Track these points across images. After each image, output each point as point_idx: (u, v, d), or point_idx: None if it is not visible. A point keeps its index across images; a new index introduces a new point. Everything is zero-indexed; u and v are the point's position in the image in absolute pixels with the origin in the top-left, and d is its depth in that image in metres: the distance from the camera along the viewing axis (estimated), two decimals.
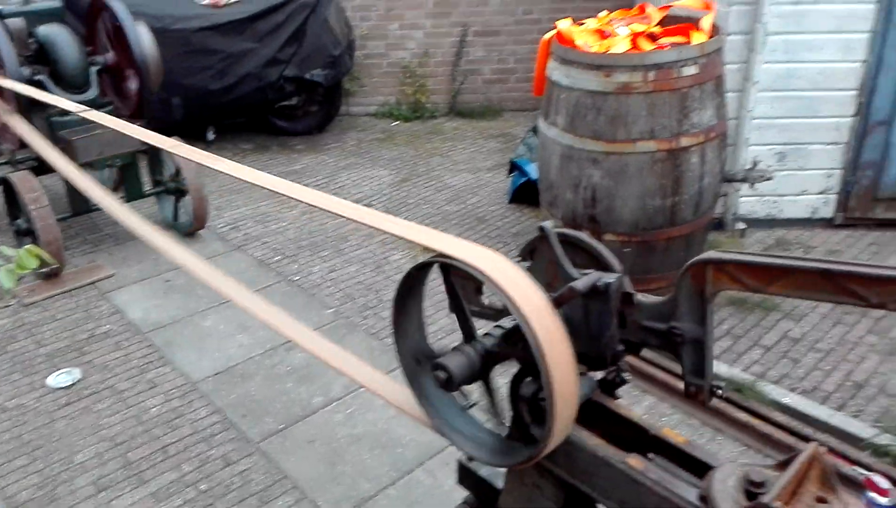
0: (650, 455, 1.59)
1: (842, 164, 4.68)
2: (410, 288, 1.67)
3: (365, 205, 5.44)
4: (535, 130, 5.48)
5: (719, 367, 3.38)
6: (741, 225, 4.76)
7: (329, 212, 2.00)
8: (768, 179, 4.21)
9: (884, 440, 2.91)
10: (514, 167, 5.48)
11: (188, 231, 4.95)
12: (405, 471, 2.91)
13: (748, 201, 4.74)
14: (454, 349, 1.59)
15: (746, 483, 1.35)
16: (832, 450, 2.83)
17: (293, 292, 4.28)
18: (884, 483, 2.69)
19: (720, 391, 1.57)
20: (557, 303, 1.48)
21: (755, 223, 4.79)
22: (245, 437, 3.10)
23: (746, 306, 3.91)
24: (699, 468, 1.49)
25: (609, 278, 1.60)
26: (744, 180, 4.24)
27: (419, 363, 1.73)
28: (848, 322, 3.78)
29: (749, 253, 1.45)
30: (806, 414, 3.07)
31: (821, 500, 1.33)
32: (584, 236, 1.74)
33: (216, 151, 6.57)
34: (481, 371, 1.59)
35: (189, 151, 2.63)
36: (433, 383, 1.66)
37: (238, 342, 3.79)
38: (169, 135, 2.87)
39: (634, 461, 1.50)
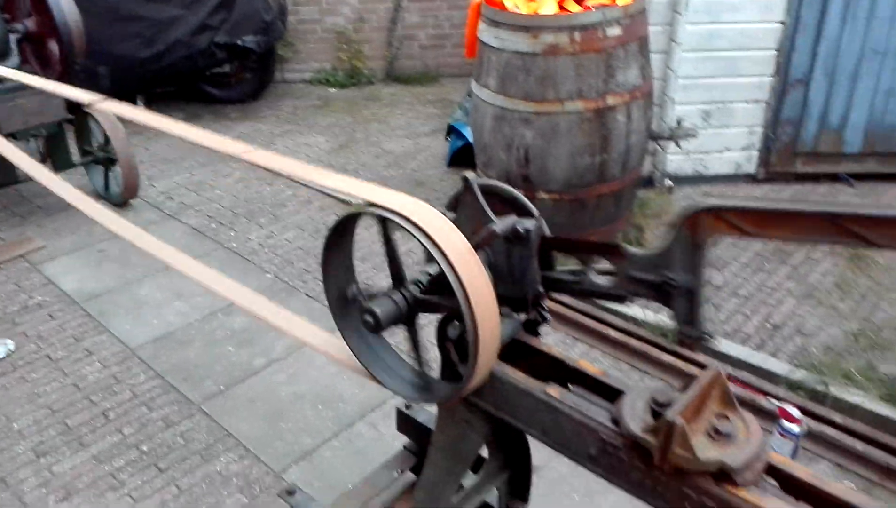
0: (570, 387, 1.69)
1: (763, 121, 4.88)
2: (339, 236, 1.71)
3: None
4: (470, 95, 5.54)
5: (646, 314, 3.55)
6: (669, 182, 4.94)
7: (268, 169, 2.02)
8: (693, 136, 4.38)
9: (798, 375, 3.12)
10: (452, 131, 5.54)
11: (120, 201, 4.86)
12: (347, 424, 2.99)
13: (675, 159, 4.92)
14: (383, 294, 1.65)
15: (653, 404, 1.46)
16: (749, 385, 3.03)
17: (231, 259, 4.27)
18: (795, 412, 2.92)
19: (710, 338, 1.61)
20: (478, 246, 1.56)
21: (682, 180, 4.97)
22: (186, 399, 3.12)
23: None
24: (614, 395, 1.60)
25: (528, 223, 1.69)
26: (670, 138, 4.39)
27: (348, 306, 1.79)
28: (768, 269, 4.00)
29: (747, 200, 1.44)
30: (727, 355, 3.25)
31: (721, 417, 1.44)
32: (504, 185, 1.82)
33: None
34: (408, 316, 1.67)
35: (127, 108, 2.61)
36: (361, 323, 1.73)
37: (175, 308, 3.78)
38: None
39: (553, 390, 1.61)
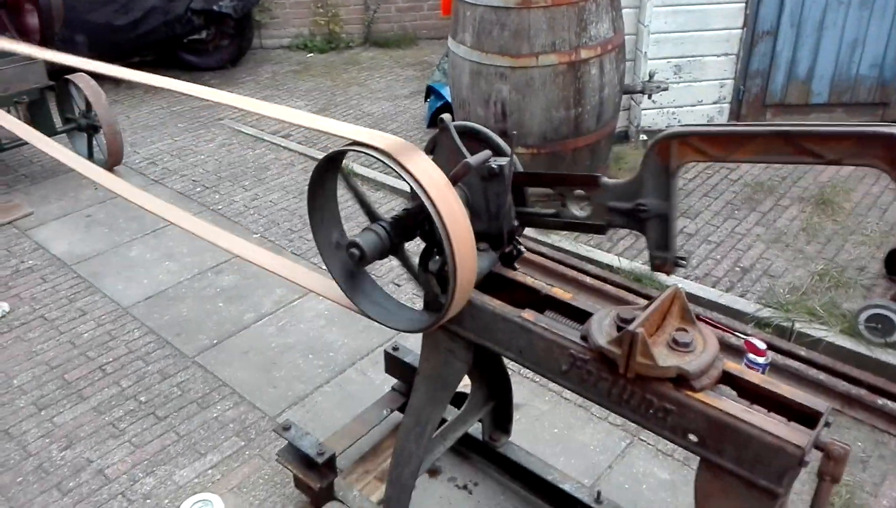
0: (547, 312, 1.82)
1: (733, 74, 5.00)
2: (323, 177, 1.81)
3: (282, 136, 5.53)
4: (448, 55, 5.60)
5: (622, 262, 3.69)
6: (643, 137, 5.06)
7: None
8: (665, 89, 4.49)
9: (765, 313, 3.28)
10: (431, 92, 5.61)
11: (104, 168, 4.89)
12: (338, 371, 3.11)
13: (649, 114, 5.03)
14: (365, 228, 1.77)
15: (618, 320, 1.60)
16: (718, 324, 3.18)
17: (217, 220, 4.35)
18: (760, 345, 3.08)
19: (684, 262, 1.73)
20: (454, 179, 1.67)
21: (656, 134, 5.08)
22: (180, 353, 3.23)
23: None
24: (584, 317, 1.74)
25: (502, 160, 1.80)
26: (642, 92, 4.50)
27: (336, 248, 1.90)
28: (738, 217, 4.15)
29: (711, 125, 1.57)
30: (698, 296, 3.40)
31: (680, 330, 1.58)
32: (478, 125, 1.93)
33: (125, 89, 6.45)
34: (391, 247, 1.78)
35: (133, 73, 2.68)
36: (349, 262, 1.85)
37: (166, 268, 3.87)
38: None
39: (527, 314, 1.74)
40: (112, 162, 4.86)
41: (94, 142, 4.93)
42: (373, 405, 2.68)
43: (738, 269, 3.70)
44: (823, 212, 4.16)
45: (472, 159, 1.69)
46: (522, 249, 1.95)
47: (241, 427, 2.83)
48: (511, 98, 3.83)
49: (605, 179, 1.72)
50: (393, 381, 2.75)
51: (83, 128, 4.87)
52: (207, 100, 2.37)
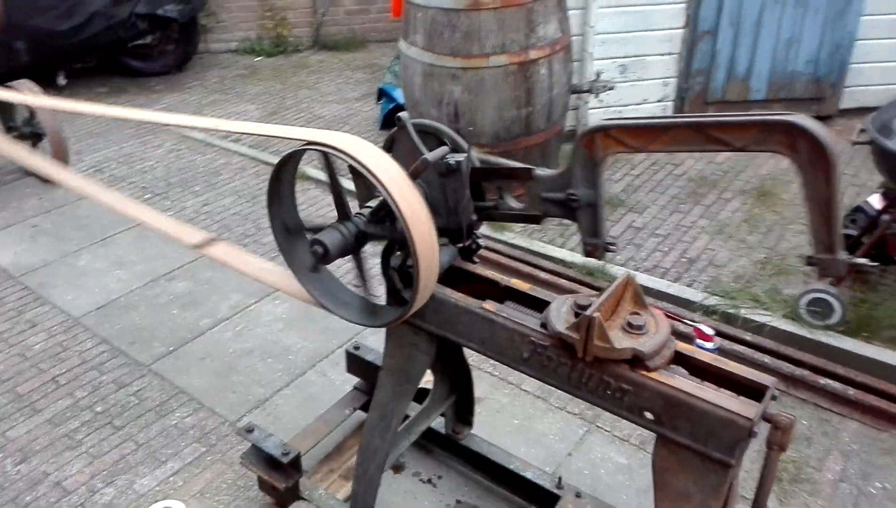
0: (506, 303, 1.87)
1: (676, 72, 5.15)
2: (282, 176, 1.82)
3: (233, 140, 5.48)
4: (399, 58, 5.64)
5: (574, 257, 3.78)
6: None
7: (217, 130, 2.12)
8: (611, 88, 4.61)
9: (712, 301, 3.40)
10: (382, 94, 5.63)
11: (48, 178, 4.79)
12: (297, 374, 3.11)
13: (596, 113, 5.14)
14: (330, 226, 1.79)
15: (575, 307, 1.66)
16: (667, 313, 3.29)
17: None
18: (708, 331, 3.19)
19: (613, 247, 1.82)
20: (413, 175, 1.71)
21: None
22: (135, 362, 3.19)
23: None
24: (542, 306, 1.79)
25: (459, 156, 1.85)
26: (589, 91, 4.61)
27: (295, 245, 1.92)
28: (683, 210, 4.29)
29: (629, 118, 1.67)
30: (648, 287, 3.51)
31: (634, 314, 1.65)
32: (435, 123, 1.97)
33: (69, 96, 6.30)
34: (354, 246, 1.81)
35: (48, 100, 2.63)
36: (311, 260, 1.87)
37: (116, 277, 3.81)
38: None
39: (488, 305, 1.79)
40: None
41: (38, 149, 4.80)
42: (335, 404, 2.70)
43: (684, 260, 3.82)
44: (764, 204, 4.32)
45: (431, 155, 1.73)
46: (481, 242, 2.00)
47: (201, 433, 2.81)
48: (463, 99, 3.89)
49: (538, 172, 1.81)
50: (354, 381, 2.77)
51: (27, 136, 4.75)
52: (168, 123, 2.34)
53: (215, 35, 7.67)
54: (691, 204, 4.36)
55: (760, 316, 3.26)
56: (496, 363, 3.08)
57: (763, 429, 1.48)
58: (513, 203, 1.87)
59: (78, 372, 3.12)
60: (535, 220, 1.87)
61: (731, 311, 3.32)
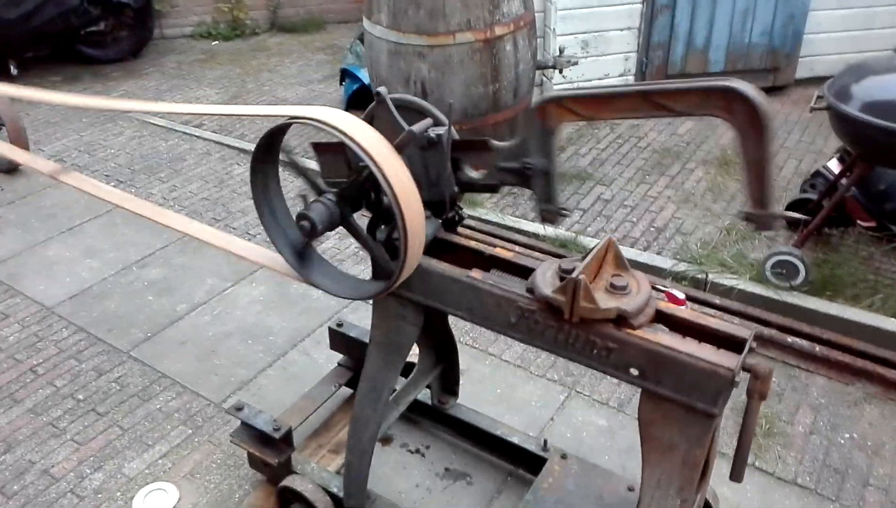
0: (492, 271, 1.92)
1: (636, 47, 5.24)
2: (267, 152, 1.84)
3: (195, 125, 5.43)
4: (361, 39, 5.61)
5: (546, 230, 3.85)
6: None
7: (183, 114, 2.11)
8: (575, 64, 4.67)
9: (681, 267, 3.51)
10: (346, 75, 5.61)
11: (8, 168, 4.69)
12: (279, 354, 3.13)
13: (560, 89, 5.21)
14: (313, 201, 1.81)
15: (560, 271, 1.72)
16: None
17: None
18: (680, 295, 3.29)
19: (567, 212, 1.88)
20: (399, 148, 1.74)
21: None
22: (114, 349, 3.17)
23: (566, 179, 4.40)
24: (527, 273, 1.85)
25: (440, 129, 1.88)
26: (554, 67, 4.67)
27: (279, 222, 1.94)
28: (649, 181, 4.39)
29: (580, 89, 1.73)
30: None
31: (616, 275, 1.71)
32: (413, 97, 2.00)
33: (23, 86, 6.15)
34: (340, 218, 1.83)
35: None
36: (298, 238, 1.89)
37: (87, 266, 3.76)
38: None
39: (475, 273, 1.83)
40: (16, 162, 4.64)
41: None
42: (320, 381, 2.73)
43: (653, 229, 3.92)
44: (726, 172, 4.45)
45: (416, 127, 1.76)
46: (464, 213, 2.04)
47: (186, 416, 2.82)
48: (430, 77, 3.91)
49: (494, 142, 1.87)
50: (336, 360, 2.81)
51: None
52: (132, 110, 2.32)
53: (170, 20, 7.53)
54: (657, 175, 4.46)
55: (728, 280, 3.38)
56: (476, 336, 3.17)
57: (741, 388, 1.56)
58: (472, 174, 1.92)
59: (56, 361, 3.09)
60: (492, 189, 1.93)
61: (699, 276, 3.43)
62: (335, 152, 1.97)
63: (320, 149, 2.04)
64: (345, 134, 1.64)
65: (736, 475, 1.68)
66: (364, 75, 5.33)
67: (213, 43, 7.44)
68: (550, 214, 1.85)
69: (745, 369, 1.56)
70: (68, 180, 2.61)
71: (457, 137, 1.93)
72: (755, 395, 1.57)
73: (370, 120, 2.03)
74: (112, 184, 4.61)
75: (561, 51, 4.69)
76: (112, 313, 3.40)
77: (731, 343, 1.63)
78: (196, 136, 5.24)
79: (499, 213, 4.05)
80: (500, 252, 1.95)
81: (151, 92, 6.17)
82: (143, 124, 5.50)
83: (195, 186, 4.60)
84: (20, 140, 4.50)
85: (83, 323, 3.33)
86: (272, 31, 7.72)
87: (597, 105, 1.66)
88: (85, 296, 3.52)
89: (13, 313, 3.39)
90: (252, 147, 5.24)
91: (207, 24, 7.61)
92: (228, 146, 5.06)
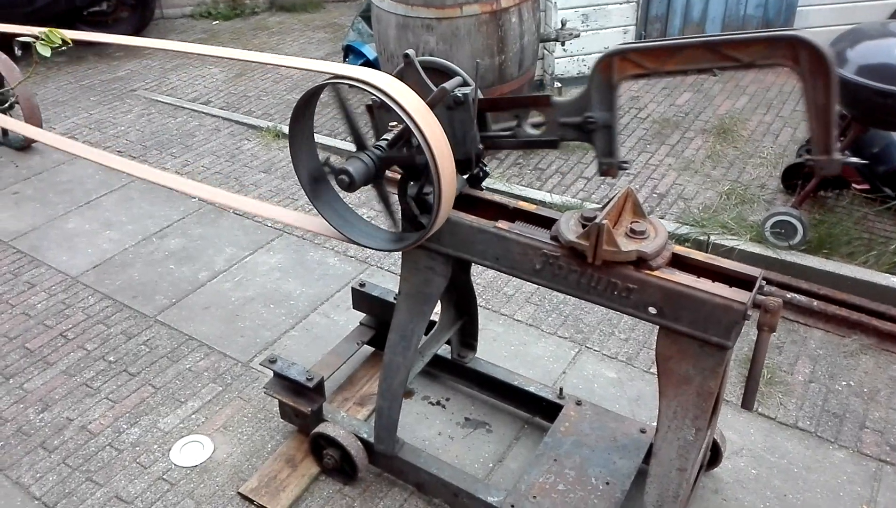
0: (517, 222, 2.04)
1: (634, 20, 5.34)
2: (304, 111, 1.95)
3: (202, 102, 5.50)
4: (362, 16, 5.70)
5: (552, 198, 3.97)
6: (558, 84, 5.34)
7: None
8: (576, 36, 4.77)
9: (683, 230, 3.64)
10: (350, 51, 5.69)
11: (22, 145, 4.77)
12: (301, 317, 3.26)
13: (561, 62, 5.31)
14: (351, 156, 1.92)
15: (582, 219, 1.85)
16: None
17: (151, 189, 4.33)
18: None
19: (626, 165, 1.94)
20: (432, 104, 1.85)
21: (569, 82, 5.38)
22: (140, 314, 3.29)
23: (569, 149, 4.52)
24: (550, 223, 1.97)
25: (466, 89, 1.99)
26: (556, 40, 4.77)
27: (316, 182, 2.06)
28: (650, 150, 4.51)
29: (646, 41, 1.79)
30: None
31: (635, 222, 1.84)
32: (440, 60, 2.11)
33: (26, 67, 6.20)
34: (376, 174, 1.95)
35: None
36: (334, 194, 2.01)
37: (107, 237, 3.87)
38: None
39: (501, 224, 1.96)
40: (31, 139, 4.72)
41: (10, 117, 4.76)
42: (344, 339, 2.86)
43: (655, 195, 4.05)
44: (724, 140, 4.57)
45: (448, 84, 1.88)
46: (488, 170, 2.16)
47: (216, 374, 2.94)
48: (438, 48, 4.01)
49: (556, 98, 1.94)
50: (356, 321, 2.93)
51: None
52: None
53: (170, 0, 7.57)
54: (657, 144, 4.58)
55: (729, 241, 3.51)
56: (489, 297, 3.30)
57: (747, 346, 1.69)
58: (530, 130, 2.00)
59: (85, 327, 3.21)
60: (552, 145, 1.98)
61: (701, 238, 3.57)
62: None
63: (371, 109, 2.10)
64: (382, 91, 1.76)
65: (747, 403, 1.82)
66: (368, 51, 5.43)
67: (214, 23, 7.49)
68: (612, 166, 1.88)
69: (755, 305, 1.70)
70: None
71: (481, 96, 2.05)
72: (765, 328, 1.71)
73: (400, 80, 2.15)
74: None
75: (563, 24, 4.78)
76: (136, 282, 3.51)
77: (742, 282, 1.76)
78: (205, 112, 5.33)
79: (505, 182, 4.17)
80: (523, 205, 2.07)
81: (156, 71, 6.23)
82: (150, 102, 5.58)
83: (207, 160, 4.69)
84: (34, 118, 4.58)
85: (108, 291, 3.44)
86: (271, 10, 7.77)
87: (662, 57, 1.69)
88: (108, 266, 3.63)
89: (39, 283, 3.50)
90: (260, 123, 5.31)
91: (207, 4, 7.66)
92: (237, 122, 5.15)
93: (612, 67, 1.77)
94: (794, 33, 1.58)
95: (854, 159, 1.79)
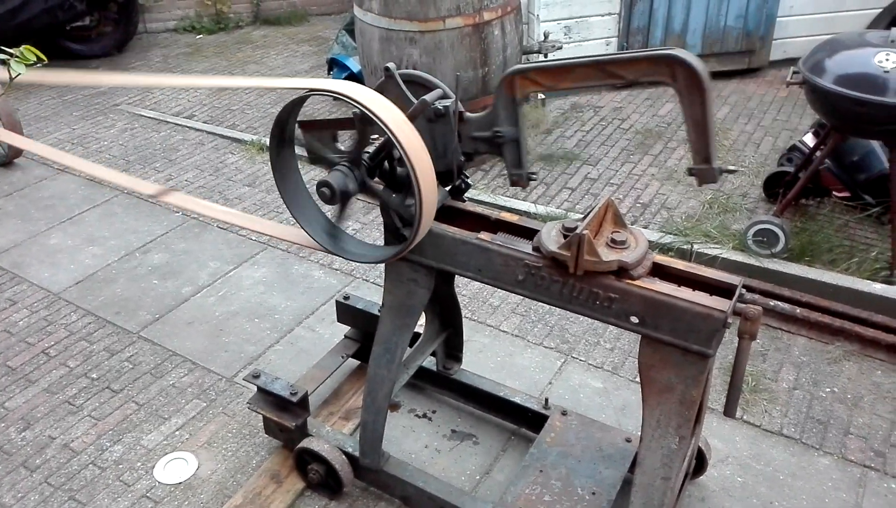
0: (499, 234, 2.05)
1: (616, 32, 5.39)
2: (284, 129, 1.95)
3: (186, 116, 5.50)
4: (346, 29, 5.71)
5: (537, 208, 3.99)
6: (541, 95, 5.37)
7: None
8: (559, 48, 4.80)
9: (667, 239, 3.66)
10: (334, 64, 5.70)
11: (4, 161, 4.74)
12: (286, 331, 3.24)
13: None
14: (332, 169, 1.93)
15: (564, 230, 1.85)
16: None
17: (134, 203, 4.31)
18: None
19: (535, 176, 2.04)
20: (412, 116, 1.86)
21: (551, 94, 5.41)
22: (123, 330, 3.26)
23: (553, 160, 4.55)
24: (531, 234, 1.98)
25: (446, 101, 2.01)
26: (539, 52, 4.80)
27: (300, 195, 2.06)
28: (633, 161, 4.54)
29: (542, 61, 1.88)
30: None
31: (616, 232, 1.85)
32: (420, 72, 2.12)
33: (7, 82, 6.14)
34: (359, 185, 1.95)
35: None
36: (316, 209, 2.01)
37: (90, 253, 3.84)
38: None
39: (484, 235, 1.96)
40: (13, 155, 4.71)
41: None
42: (328, 352, 2.85)
43: (639, 205, 4.08)
44: None
45: (428, 97, 1.88)
46: (470, 182, 2.17)
47: (200, 390, 2.92)
48: (422, 61, 4.03)
49: (468, 114, 2.02)
50: (341, 335, 2.92)
51: None
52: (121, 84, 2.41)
53: (153, 14, 7.57)
54: (640, 154, 4.61)
55: (712, 249, 3.53)
56: (475, 308, 3.30)
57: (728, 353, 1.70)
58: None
59: (67, 343, 3.18)
60: (467, 158, 2.06)
61: (685, 247, 3.59)
62: (321, 130, 2.07)
63: (306, 127, 2.13)
64: (361, 105, 1.76)
65: (730, 410, 1.83)
66: (352, 64, 5.44)
67: (198, 37, 7.49)
68: (521, 178, 2.00)
69: (735, 313, 1.71)
70: (172, 200, 2.70)
71: (462, 109, 2.06)
72: (746, 335, 1.72)
73: (380, 93, 2.15)
74: None
75: (545, 36, 4.82)
76: (119, 297, 3.48)
77: (723, 291, 1.77)
78: (188, 126, 5.32)
79: (490, 193, 4.18)
80: (505, 216, 2.08)
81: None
82: (133, 117, 5.56)
83: (191, 174, 4.68)
84: (16, 132, 4.55)
85: (90, 307, 3.41)
86: (256, 24, 7.78)
87: (556, 76, 1.81)
88: (90, 281, 3.60)
89: (21, 300, 3.47)
90: (244, 136, 5.30)
91: (191, 18, 7.66)
92: (221, 136, 5.14)
93: (514, 84, 1.86)
94: (673, 52, 1.63)
95: (732, 168, 1.83)
